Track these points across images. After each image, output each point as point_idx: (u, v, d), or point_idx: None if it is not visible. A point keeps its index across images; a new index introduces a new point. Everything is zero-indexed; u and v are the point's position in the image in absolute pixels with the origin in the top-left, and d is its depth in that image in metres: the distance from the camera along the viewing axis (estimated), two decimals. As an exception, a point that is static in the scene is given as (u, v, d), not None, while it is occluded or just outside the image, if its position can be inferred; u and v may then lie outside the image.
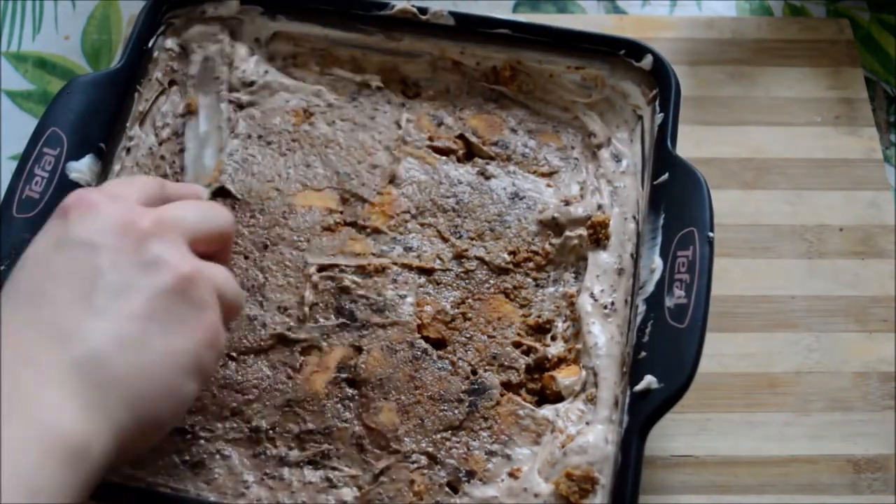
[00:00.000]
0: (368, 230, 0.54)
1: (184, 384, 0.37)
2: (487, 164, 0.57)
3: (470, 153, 0.58)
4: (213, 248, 0.42)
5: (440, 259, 0.53)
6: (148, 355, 0.35)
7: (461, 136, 0.58)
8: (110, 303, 0.35)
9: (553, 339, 0.51)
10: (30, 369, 0.33)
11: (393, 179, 0.56)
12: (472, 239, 0.54)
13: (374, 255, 0.53)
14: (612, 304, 0.51)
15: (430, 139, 0.58)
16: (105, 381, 0.33)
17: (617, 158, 0.57)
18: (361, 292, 0.52)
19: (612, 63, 0.58)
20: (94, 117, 0.54)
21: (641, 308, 0.48)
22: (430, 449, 0.47)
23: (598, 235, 0.53)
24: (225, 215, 0.44)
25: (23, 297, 0.35)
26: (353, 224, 0.54)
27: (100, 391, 0.33)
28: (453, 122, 0.59)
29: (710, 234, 0.46)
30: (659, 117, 0.54)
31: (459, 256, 0.53)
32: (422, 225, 0.54)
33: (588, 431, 0.46)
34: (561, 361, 0.50)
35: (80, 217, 0.37)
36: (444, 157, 0.57)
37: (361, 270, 0.52)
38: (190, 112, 0.58)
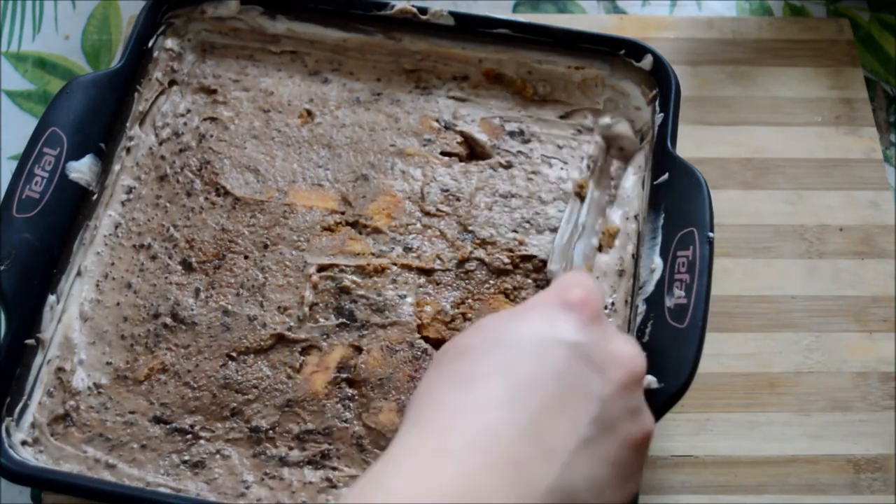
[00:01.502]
0: (369, 230, 0.54)
1: None
2: (490, 165, 0.57)
3: (473, 154, 0.58)
4: None
5: (440, 259, 0.53)
6: (601, 501, 0.34)
7: (465, 138, 0.58)
8: (598, 438, 0.33)
9: (553, 339, 0.51)
10: (502, 468, 0.31)
11: (395, 180, 0.56)
12: (473, 240, 0.54)
13: (373, 255, 0.53)
14: (612, 304, 0.51)
15: (434, 140, 0.58)
16: None
17: (618, 159, 0.57)
18: (361, 292, 0.52)
19: (612, 63, 0.58)
20: (94, 117, 0.54)
21: (641, 308, 0.48)
22: (430, 449, 0.47)
23: (602, 243, 0.53)
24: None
25: (520, 379, 0.34)
26: (353, 224, 0.54)
27: None
28: (457, 124, 0.59)
29: (710, 234, 0.46)
30: (659, 117, 0.54)
31: (460, 257, 0.53)
32: (423, 226, 0.54)
33: (588, 431, 0.46)
34: (561, 361, 0.50)
35: (587, 324, 0.36)
36: (446, 158, 0.57)
37: (361, 270, 0.52)
38: (580, 196, 0.54)
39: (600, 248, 0.53)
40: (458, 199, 0.55)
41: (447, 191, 0.56)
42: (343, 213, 0.55)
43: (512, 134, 0.58)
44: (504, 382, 0.34)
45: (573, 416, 0.33)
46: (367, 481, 0.31)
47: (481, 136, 0.58)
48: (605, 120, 0.58)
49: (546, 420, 0.33)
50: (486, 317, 0.39)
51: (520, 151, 0.57)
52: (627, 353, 0.36)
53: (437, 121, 0.59)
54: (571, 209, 0.53)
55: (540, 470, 0.31)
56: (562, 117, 0.59)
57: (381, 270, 0.52)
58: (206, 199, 0.55)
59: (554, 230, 0.54)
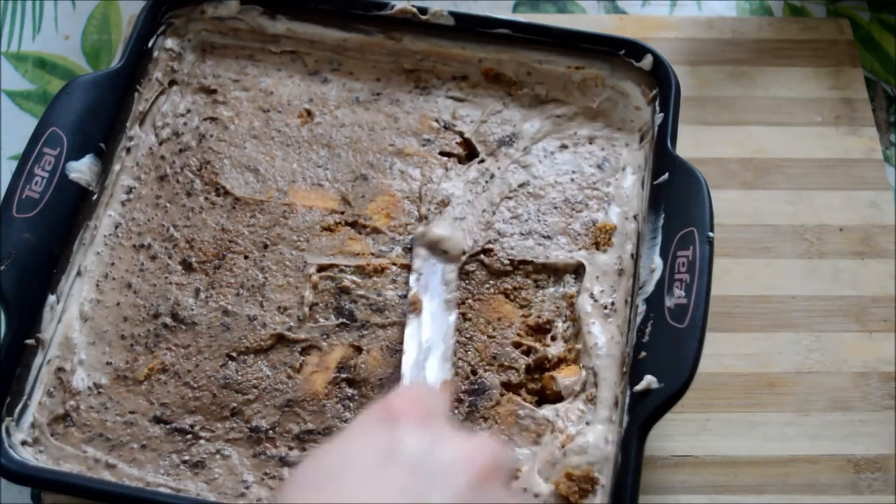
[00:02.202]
0: (368, 230, 0.54)
1: None
2: (489, 165, 0.57)
3: (472, 154, 0.58)
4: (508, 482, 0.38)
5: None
6: None
7: (464, 138, 0.58)
8: None
9: (553, 339, 0.51)
10: None
11: (394, 180, 0.56)
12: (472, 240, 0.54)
13: (373, 254, 0.53)
14: (612, 304, 0.51)
15: (433, 140, 0.58)
16: None
17: (618, 160, 0.57)
18: (361, 292, 0.52)
19: (612, 63, 0.58)
20: (94, 117, 0.54)
21: (641, 308, 0.48)
22: (430, 449, 0.47)
23: (599, 241, 0.53)
24: (514, 455, 0.41)
25: None
26: (352, 224, 0.55)
27: None
28: (456, 124, 0.59)
29: (710, 234, 0.46)
30: (659, 117, 0.54)
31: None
32: (419, 223, 0.54)
33: (588, 431, 0.46)
34: (561, 361, 0.50)
35: (411, 432, 0.33)
36: (445, 158, 0.57)
37: (361, 270, 0.52)
38: (415, 311, 0.51)
39: (597, 246, 0.53)
40: (456, 199, 0.55)
41: (446, 191, 0.56)
42: (342, 213, 0.55)
43: (512, 134, 0.58)
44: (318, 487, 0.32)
45: None
46: None
47: (480, 137, 0.58)
48: (420, 229, 0.54)
49: None
50: (321, 446, 0.36)
51: (519, 152, 0.57)
52: (468, 451, 0.33)
53: (436, 121, 0.59)
54: (411, 326, 0.50)
55: None
56: (558, 117, 0.59)
57: (380, 270, 0.52)
58: (206, 198, 0.55)
59: (548, 237, 0.54)
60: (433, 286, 0.51)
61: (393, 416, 0.34)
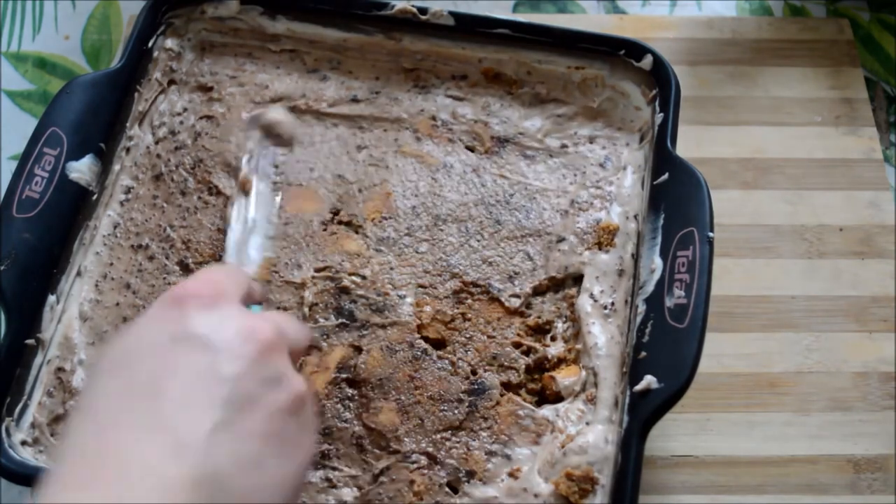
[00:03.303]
0: (365, 230, 0.54)
1: None
2: (485, 165, 0.57)
3: (470, 153, 0.58)
4: (296, 359, 0.40)
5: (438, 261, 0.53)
6: (262, 478, 0.33)
7: (463, 137, 0.58)
8: (235, 416, 0.32)
9: (553, 339, 0.51)
10: (145, 477, 0.30)
11: (392, 179, 0.56)
12: (469, 238, 0.54)
13: (371, 255, 0.53)
14: (612, 304, 0.51)
15: (432, 139, 0.58)
16: (221, 503, 0.31)
17: (619, 159, 0.57)
18: (361, 292, 0.52)
19: (612, 63, 0.58)
20: (94, 117, 0.54)
21: (641, 308, 0.48)
22: (430, 449, 0.47)
23: (602, 241, 0.53)
24: (308, 332, 0.42)
25: (136, 388, 0.33)
26: (348, 224, 0.54)
27: None
28: (455, 123, 0.59)
29: (710, 234, 0.46)
30: (659, 117, 0.54)
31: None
32: (420, 225, 0.54)
33: (588, 431, 0.46)
34: (561, 362, 0.50)
35: (198, 312, 0.35)
36: (445, 157, 0.57)
37: (359, 270, 0.52)
38: (244, 191, 0.54)
39: (599, 246, 0.53)
40: (453, 198, 0.55)
41: (442, 190, 0.56)
42: (338, 213, 0.55)
43: (514, 133, 0.58)
44: (125, 397, 0.33)
45: (202, 405, 0.32)
46: None
47: (480, 136, 0.58)
48: (255, 111, 0.57)
49: (175, 419, 0.31)
50: (119, 332, 0.38)
51: (519, 150, 0.57)
52: (250, 325, 0.35)
53: (434, 119, 0.59)
54: (238, 206, 0.53)
55: (178, 468, 0.30)
56: (558, 116, 0.59)
57: (378, 270, 0.52)
58: (200, 198, 0.55)
59: (547, 233, 0.54)
60: (263, 168, 0.54)
61: (182, 298, 0.36)
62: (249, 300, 0.41)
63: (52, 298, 0.50)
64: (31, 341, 0.49)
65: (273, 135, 0.55)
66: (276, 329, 0.36)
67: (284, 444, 0.34)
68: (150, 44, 0.58)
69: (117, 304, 0.52)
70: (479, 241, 0.54)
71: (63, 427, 0.33)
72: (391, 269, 0.53)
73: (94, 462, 0.31)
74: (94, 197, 0.54)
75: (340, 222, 0.55)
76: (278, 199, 0.53)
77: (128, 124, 0.57)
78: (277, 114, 0.56)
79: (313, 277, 0.52)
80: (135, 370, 0.33)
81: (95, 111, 0.54)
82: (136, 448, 0.31)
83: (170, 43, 0.60)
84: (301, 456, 0.35)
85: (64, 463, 0.31)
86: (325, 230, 0.54)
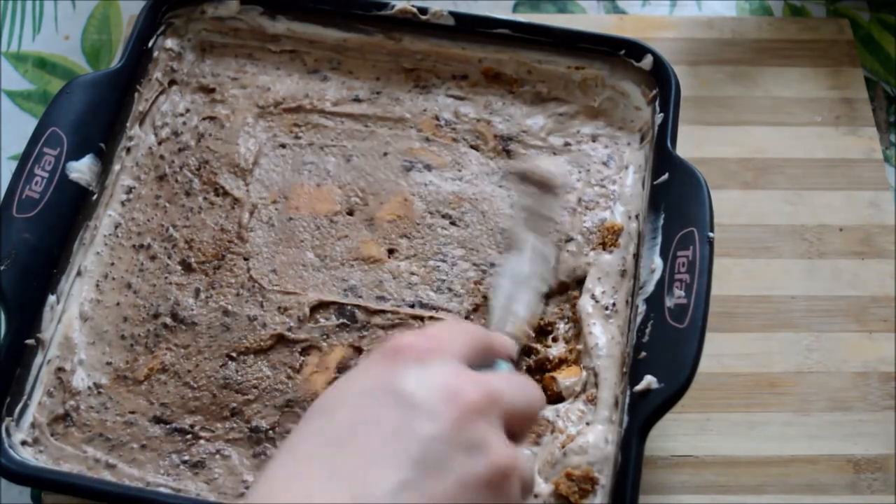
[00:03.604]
0: (375, 229, 0.54)
1: None
2: (492, 166, 0.57)
3: (475, 152, 0.58)
4: (519, 432, 0.37)
5: (445, 262, 0.53)
6: None
7: (466, 136, 0.58)
8: (421, 479, 0.31)
9: (554, 340, 0.51)
10: None
11: (393, 179, 0.56)
12: (478, 239, 0.54)
13: (382, 256, 0.53)
14: (614, 304, 0.51)
15: (435, 139, 0.58)
16: None
17: (621, 158, 0.57)
18: (362, 292, 0.52)
19: (612, 63, 0.58)
20: (94, 117, 0.54)
21: (641, 308, 0.48)
22: (431, 449, 0.47)
23: (606, 241, 0.53)
24: (539, 395, 0.39)
25: (332, 435, 0.32)
26: (358, 224, 0.54)
27: None
28: (458, 122, 0.59)
29: (710, 234, 0.46)
30: (659, 117, 0.54)
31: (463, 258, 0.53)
32: (428, 226, 0.54)
33: (588, 431, 0.46)
34: (562, 362, 0.50)
35: (408, 366, 0.34)
36: (447, 157, 0.57)
37: (366, 272, 0.52)
38: (512, 247, 0.50)
39: (604, 247, 0.53)
40: (459, 199, 0.55)
41: (449, 190, 0.56)
42: (351, 215, 0.55)
43: (515, 133, 0.58)
44: (320, 440, 0.33)
45: (391, 462, 0.31)
46: None
47: (483, 136, 0.58)
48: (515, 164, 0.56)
49: (362, 471, 0.31)
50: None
51: (523, 150, 0.57)
52: (456, 386, 0.33)
53: (437, 118, 0.59)
54: (511, 261, 0.49)
55: None
56: (560, 115, 0.59)
57: (389, 271, 0.52)
58: (205, 198, 0.55)
59: (556, 231, 0.54)
60: (540, 225, 0.50)
61: (396, 350, 0.35)
62: (490, 355, 0.39)
63: (52, 298, 0.50)
64: (31, 341, 0.49)
65: (543, 187, 0.52)
66: (486, 393, 0.34)
67: None
68: (150, 44, 0.58)
69: (118, 303, 0.52)
70: (487, 242, 0.54)
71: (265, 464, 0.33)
72: (400, 270, 0.53)
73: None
74: (95, 197, 0.54)
75: (354, 223, 0.54)
76: (553, 252, 0.51)
77: (128, 124, 0.57)
78: (548, 164, 0.53)
79: (323, 278, 0.52)
80: (336, 417, 0.33)
81: (95, 111, 0.54)
82: (318, 495, 0.30)
83: (170, 43, 0.60)
84: None
85: (255, 495, 0.32)
86: (337, 231, 0.54)
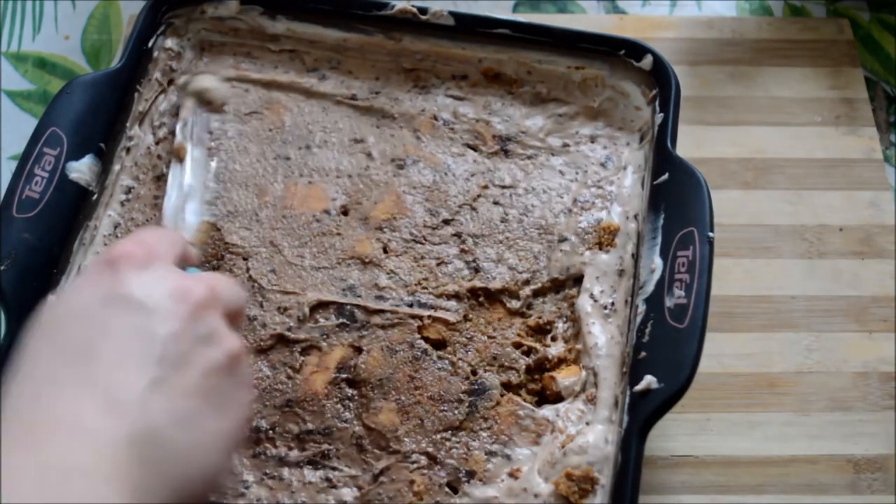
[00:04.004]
0: (369, 228, 0.54)
1: (224, 465, 0.35)
2: (489, 165, 0.57)
3: (472, 152, 0.58)
4: (234, 322, 0.40)
5: (443, 262, 0.53)
6: (200, 435, 0.33)
7: (465, 136, 0.58)
8: (169, 374, 0.33)
9: (553, 339, 0.51)
10: (81, 437, 0.30)
11: (395, 180, 0.56)
12: (473, 239, 0.54)
13: (378, 255, 0.53)
14: (612, 304, 0.51)
15: (435, 139, 0.58)
16: (158, 460, 0.32)
17: (620, 158, 0.57)
18: (362, 292, 0.52)
19: (612, 63, 0.58)
20: (94, 117, 0.54)
21: (641, 308, 0.48)
22: (430, 449, 0.47)
23: (603, 241, 0.53)
24: (244, 293, 0.42)
25: (70, 350, 0.33)
26: (353, 222, 0.54)
27: (153, 472, 0.31)
28: (454, 123, 0.59)
29: (710, 234, 0.46)
30: (659, 117, 0.54)
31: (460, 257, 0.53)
32: (425, 225, 0.54)
33: (588, 431, 0.46)
34: (561, 362, 0.50)
35: (131, 273, 0.35)
36: (444, 158, 0.57)
37: (362, 271, 0.52)
38: (179, 158, 0.55)
39: (600, 246, 0.53)
40: (457, 198, 0.55)
41: (447, 190, 0.56)
42: (347, 213, 0.55)
43: (513, 133, 0.58)
44: (59, 360, 0.33)
45: (136, 364, 0.33)
46: None
47: (481, 136, 0.58)
48: (184, 78, 0.59)
49: (109, 378, 0.32)
50: (55, 298, 0.39)
51: (521, 150, 0.57)
52: (183, 285, 0.36)
53: (435, 118, 0.59)
54: (174, 173, 0.55)
55: (113, 426, 0.31)
56: (560, 116, 0.59)
57: (385, 270, 0.52)
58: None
59: (550, 233, 0.54)
60: (198, 134, 0.56)
61: (114, 260, 0.36)
62: (185, 262, 0.41)
63: (52, 298, 0.50)
64: (31, 341, 0.49)
65: (205, 101, 0.58)
66: (208, 289, 0.36)
67: (220, 401, 0.35)
68: (150, 44, 0.58)
69: (117, 304, 0.52)
70: (483, 240, 0.54)
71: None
72: (397, 269, 0.53)
73: (29, 424, 0.31)
74: (94, 197, 0.54)
75: (348, 222, 0.54)
76: (213, 164, 0.55)
77: (128, 124, 0.57)
78: (208, 81, 0.58)
79: (321, 278, 0.52)
80: (68, 332, 0.34)
81: (95, 111, 0.54)
82: (70, 408, 0.31)
83: (170, 43, 0.60)
84: (238, 412, 0.36)
85: (1, 425, 0.31)
86: (331, 229, 0.54)
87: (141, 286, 0.35)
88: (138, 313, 0.34)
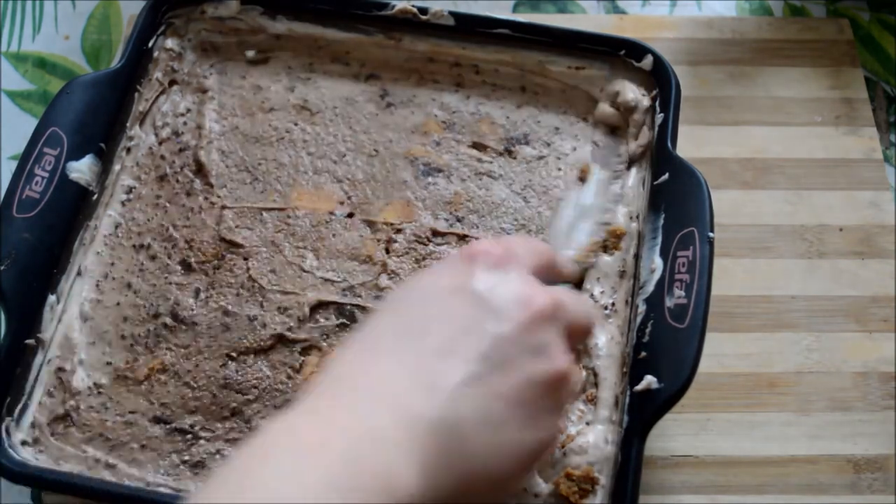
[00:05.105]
0: (374, 229, 0.54)
1: (518, 480, 0.36)
2: (492, 165, 0.57)
3: (476, 152, 0.58)
4: (576, 343, 0.40)
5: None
6: (501, 440, 0.33)
7: (468, 137, 0.58)
8: (489, 374, 0.34)
9: (553, 339, 0.51)
10: (391, 406, 0.32)
11: (399, 182, 0.56)
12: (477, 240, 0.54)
13: (382, 257, 0.53)
14: (613, 304, 0.51)
15: (437, 140, 0.58)
16: (455, 451, 0.32)
17: (623, 160, 0.57)
18: (363, 292, 0.52)
19: (612, 63, 0.58)
20: (94, 117, 0.54)
21: (641, 308, 0.48)
22: (431, 449, 0.47)
23: (609, 244, 0.53)
24: (597, 313, 0.43)
25: (405, 327, 0.35)
26: (357, 223, 0.54)
27: (446, 459, 0.32)
28: (457, 124, 0.59)
29: (710, 234, 0.46)
30: (659, 117, 0.54)
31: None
32: (425, 226, 0.54)
33: (588, 431, 0.46)
34: (561, 361, 0.50)
35: (484, 270, 0.37)
36: (449, 159, 0.57)
37: (366, 272, 0.52)
38: (581, 178, 0.56)
39: (605, 249, 0.53)
40: (460, 199, 0.55)
41: (450, 191, 0.56)
42: (338, 213, 0.55)
43: (514, 135, 0.58)
44: (394, 332, 0.35)
45: (461, 355, 0.33)
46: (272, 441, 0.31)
47: (484, 136, 0.58)
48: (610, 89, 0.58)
49: (432, 361, 0.33)
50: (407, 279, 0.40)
51: (522, 151, 0.57)
52: (528, 293, 0.36)
53: (437, 118, 0.59)
54: (574, 192, 0.54)
55: (423, 406, 0.32)
56: (563, 117, 0.59)
57: (387, 271, 0.52)
58: (206, 199, 0.55)
59: (553, 234, 0.54)
60: (607, 158, 0.55)
61: (473, 255, 0.37)
62: (555, 276, 0.42)
63: (52, 298, 0.50)
64: (31, 341, 0.49)
65: (610, 124, 0.57)
66: (553, 302, 0.36)
67: (531, 414, 0.34)
68: (150, 44, 0.58)
69: (118, 303, 0.52)
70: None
71: (332, 356, 0.35)
72: (398, 270, 0.53)
73: (348, 384, 0.33)
74: (95, 197, 0.54)
75: (353, 223, 0.54)
76: (617, 188, 0.55)
77: (128, 124, 0.57)
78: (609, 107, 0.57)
79: (322, 278, 0.52)
80: (411, 312, 0.36)
81: (95, 111, 0.54)
82: (389, 379, 0.33)
83: (170, 43, 0.60)
84: (544, 434, 0.35)
85: (322, 383, 0.33)
86: (336, 230, 0.54)
87: (489, 284, 0.36)
88: (478, 308, 0.35)
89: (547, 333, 0.36)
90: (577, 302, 0.39)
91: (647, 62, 0.56)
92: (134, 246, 0.54)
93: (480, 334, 0.34)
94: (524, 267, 0.38)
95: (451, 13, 0.59)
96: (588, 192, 0.54)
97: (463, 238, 0.54)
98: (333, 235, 0.54)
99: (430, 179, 0.56)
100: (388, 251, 0.53)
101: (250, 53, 0.61)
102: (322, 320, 0.51)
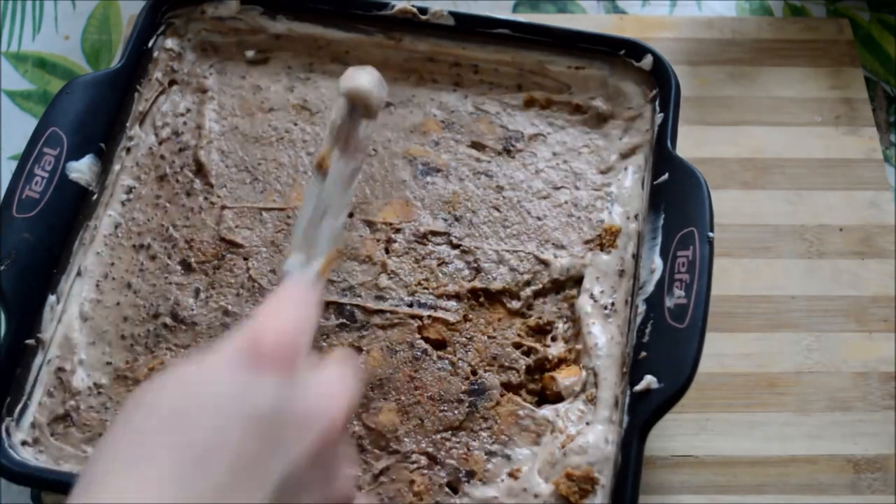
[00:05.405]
0: (373, 229, 0.54)
1: None
2: (490, 165, 0.57)
3: (475, 152, 0.58)
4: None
5: (445, 262, 0.53)
6: None
7: (467, 137, 0.58)
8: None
9: (553, 339, 0.51)
10: None
11: (398, 182, 0.56)
12: (475, 240, 0.54)
13: (381, 256, 0.53)
14: (613, 304, 0.51)
15: (436, 140, 0.58)
16: None
17: (620, 159, 0.57)
18: (362, 292, 0.52)
19: (612, 63, 0.58)
20: (94, 117, 0.54)
21: (641, 308, 0.48)
22: (430, 449, 0.47)
23: (604, 242, 0.53)
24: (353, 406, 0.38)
25: (185, 454, 0.31)
26: (356, 223, 0.54)
27: None
28: (455, 123, 0.59)
29: (710, 234, 0.46)
30: (659, 117, 0.54)
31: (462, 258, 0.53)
32: (424, 225, 0.54)
33: (588, 431, 0.46)
34: (561, 362, 0.50)
35: (270, 381, 0.32)
36: (448, 159, 0.57)
37: (365, 272, 0.52)
38: (320, 169, 0.43)
39: (602, 247, 0.53)
40: (460, 199, 0.55)
41: (449, 190, 0.56)
42: (351, 215, 0.55)
43: (514, 135, 0.58)
44: (174, 459, 0.30)
45: (248, 494, 0.30)
46: None
47: (483, 136, 0.58)
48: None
49: (218, 498, 0.30)
50: (175, 367, 0.34)
51: (523, 150, 0.57)
52: (318, 409, 0.33)
53: (436, 118, 0.59)
54: (311, 186, 0.43)
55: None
56: (562, 116, 0.59)
57: (387, 272, 0.52)
58: (206, 199, 0.55)
59: (551, 234, 0.54)
60: (348, 151, 0.44)
61: (257, 354, 0.33)
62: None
63: (52, 298, 0.50)
64: (31, 341, 0.49)
65: (361, 106, 0.44)
66: (347, 417, 0.34)
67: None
68: (150, 44, 0.58)
69: (118, 303, 0.52)
70: (485, 241, 0.54)
71: (102, 442, 0.33)
72: (397, 270, 0.53)
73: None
74: (95, 197, 0.54)
75: (352, 223, 0.54)
76: (356, 178, 0.45)
77: (128, 124, 0.57)
78: (362, 79, 0.45)
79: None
80: (190, 435, 0.31)
81: (95, 111, 0.54)
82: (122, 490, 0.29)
83: (170, 43, 0.60)
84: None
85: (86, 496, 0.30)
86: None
87: (276, 403, 0.32)
88: (264, 440, 0.31)
89: (336, 454, 0.34)
90: (353, 380, 0.37)
91: (647, 62, 0.56)
92: (134, 246, 0.54)
93: (267, 469, 0.31)
94: (302, 356, 0.35)
95: (451, 13, 0.59)
96: (329, 186, 0.43)
97: (460, 237, 0.54)
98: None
99: (428, 179, 0.56)
100: (387, 251, 0.53)
101: (250, 53, 0.61)
102: (322, 320, 0.51)
